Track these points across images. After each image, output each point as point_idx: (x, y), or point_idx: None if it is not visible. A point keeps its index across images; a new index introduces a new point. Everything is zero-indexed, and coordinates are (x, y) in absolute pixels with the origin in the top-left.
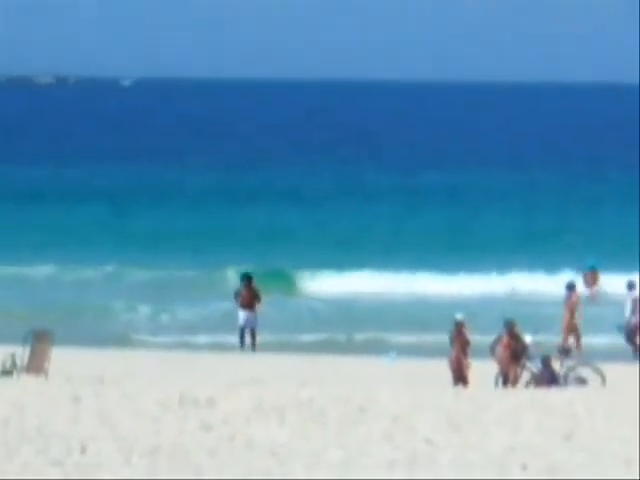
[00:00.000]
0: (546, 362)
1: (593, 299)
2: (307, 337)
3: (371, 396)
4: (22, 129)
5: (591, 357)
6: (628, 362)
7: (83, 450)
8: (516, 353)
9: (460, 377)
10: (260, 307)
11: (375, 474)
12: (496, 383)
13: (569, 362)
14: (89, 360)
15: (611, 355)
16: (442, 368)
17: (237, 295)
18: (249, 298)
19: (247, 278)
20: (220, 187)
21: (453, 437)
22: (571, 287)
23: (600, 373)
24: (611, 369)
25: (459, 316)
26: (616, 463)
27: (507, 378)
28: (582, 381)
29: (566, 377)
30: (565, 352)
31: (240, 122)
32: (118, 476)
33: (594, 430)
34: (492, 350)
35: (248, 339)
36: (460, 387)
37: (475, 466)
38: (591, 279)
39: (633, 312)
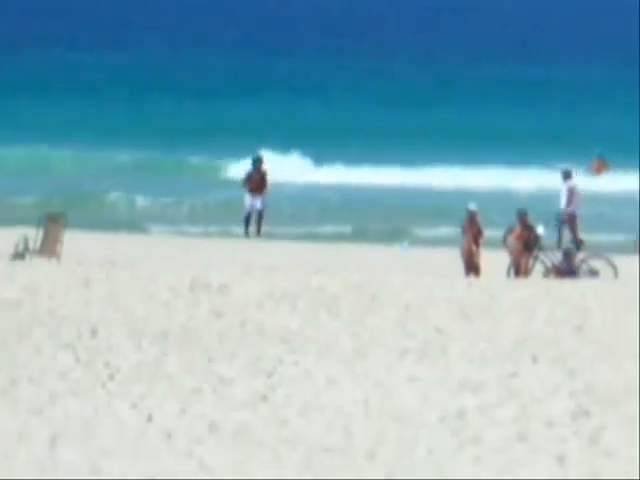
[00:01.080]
0: (567, 255)
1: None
2: (319, 227)
3: (383, 284)
4: None
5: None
6: (631, 256)
7: (94, 334)
8: (528, 244)
9: (472, 266)
10: (267, 191)
11: (386, 362)
12: (508, 274)
13: (581, 254)
14: (101, 245)
15: (616, 249)
16: (455, 258)
17: (247, 179)
18: (259, 182)
19: (258, 161)
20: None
21: (464, 327)
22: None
23: (612, 265)
24: (621, 262)
25: (472, 206)
26: (625, 356)
27: (519, 269)
28: (594, 273)
29: (578, 269)
30: (577, 244)
31: None
32: (128, 360)
33: (605, 322)
34: (504, 240)
35: (253, 226)
36: (472, 277)
37: (486, 356)
38: (597, 167)
39: (568, 202)
